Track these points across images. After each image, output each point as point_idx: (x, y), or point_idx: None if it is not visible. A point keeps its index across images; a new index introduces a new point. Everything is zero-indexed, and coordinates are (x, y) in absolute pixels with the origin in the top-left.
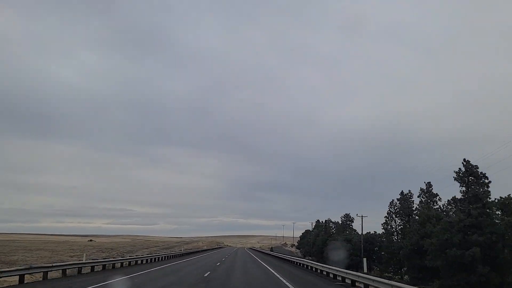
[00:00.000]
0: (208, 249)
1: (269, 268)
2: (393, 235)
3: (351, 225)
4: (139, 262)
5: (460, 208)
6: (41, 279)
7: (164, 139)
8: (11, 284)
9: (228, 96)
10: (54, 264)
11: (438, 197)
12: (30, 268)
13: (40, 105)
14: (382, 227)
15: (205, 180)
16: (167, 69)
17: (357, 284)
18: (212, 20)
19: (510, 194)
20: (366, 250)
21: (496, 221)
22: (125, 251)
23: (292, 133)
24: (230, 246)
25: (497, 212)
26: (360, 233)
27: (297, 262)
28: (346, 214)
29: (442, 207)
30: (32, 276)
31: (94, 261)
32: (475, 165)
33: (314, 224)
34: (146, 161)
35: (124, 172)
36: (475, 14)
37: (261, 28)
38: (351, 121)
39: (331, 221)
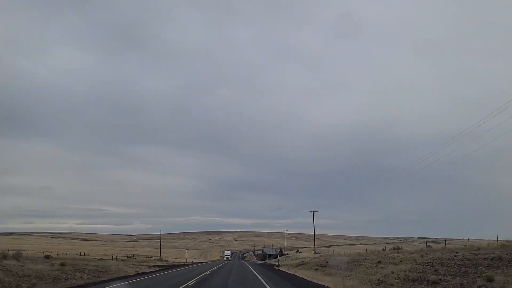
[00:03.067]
0: None
1: None
2: None
3: None
4: None
5: None
6: None
7: (142, 138)
8: None
9: (209, 95)
10: None
11: None
12: None
13: (9, 102)
14: None
15: (183, 180)
16: (146, 66)
17: None
18: (193, 16)
19: None
20: None
21: None
22: None
23: (272, 132)
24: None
25: None
26: None
27: None
28: None
29: None
30: None
31: None
32: None
33: None
34: (123, 161)
35: (100, 172)
36: (466, 13)
37: (244, 24)
38: (333, 121)
39: None
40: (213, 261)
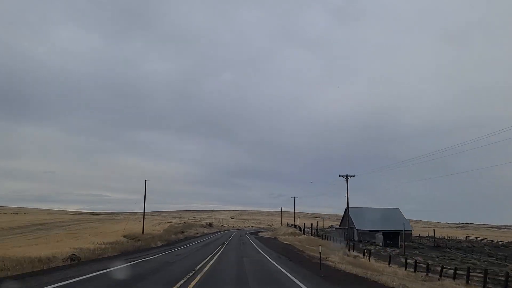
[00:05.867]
0: None
1: None
2: None
3: None
4: None
5: None
6: None
7: (143, 123)
8: None
9: (210, 79)
10: None
11: None
12: None
13: (9, 84)
14: None
15: (183, 166)
16: (148, 49)
17: None
18: None
19: None
20: None
21: None
22: None
23: (274, 118)
24: None
25: None
26: None
27: None
28: None
29: None
30: None
31: None
32: None
33: None
34: (124, 146)
35: (101, 157)
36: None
37: (249, 6)
38: (337, 108)
39: None
40: None
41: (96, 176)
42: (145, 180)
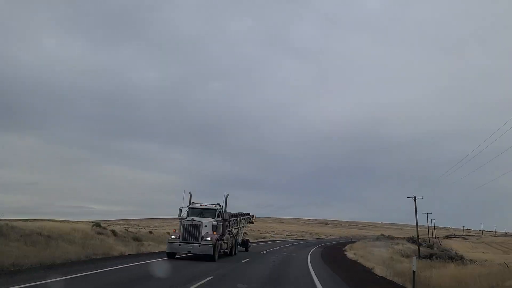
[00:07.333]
0: None
1: None
2: None
3: None
4: None
5: None
6: None
7: (129, 133)
8: None
9: (199, 88)
10: None
11: None
12: None
13: None
14: None
15: (170, 176)
16: (136, 57)
17: None
18: (187, 4)
19: None
20: None
21: None
22: None
23: (263, 127)
24: None
25: None
26: None
27: None
28: None
29: None
30: None
31: None
32: None
33: None
34: (110, 156)
35: (86, 167)
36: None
37: (239, 14)
38: (328, 118)
39: None
40: None
41: (79, 187)
42: None
